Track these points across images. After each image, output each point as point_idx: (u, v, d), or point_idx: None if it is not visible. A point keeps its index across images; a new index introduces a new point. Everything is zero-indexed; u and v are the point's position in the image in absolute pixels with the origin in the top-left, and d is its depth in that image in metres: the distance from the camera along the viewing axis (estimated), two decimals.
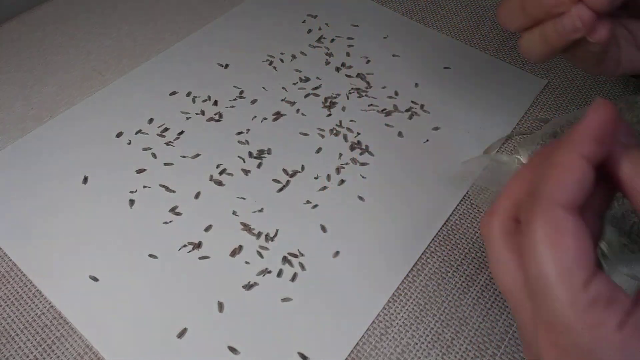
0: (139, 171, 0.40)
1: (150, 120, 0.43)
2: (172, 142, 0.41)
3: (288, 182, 0.39)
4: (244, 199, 0.38)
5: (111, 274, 0.34)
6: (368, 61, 0.48)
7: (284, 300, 0.33)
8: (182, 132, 0.42)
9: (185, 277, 0.34)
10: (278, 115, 0.43)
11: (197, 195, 0.38)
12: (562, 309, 0.18)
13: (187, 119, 0.43)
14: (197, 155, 0.41)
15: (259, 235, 0.36)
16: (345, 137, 0.42)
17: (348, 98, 0.45)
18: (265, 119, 0.43)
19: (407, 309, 0.33)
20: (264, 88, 0.46)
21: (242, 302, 0.33)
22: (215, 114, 0.43)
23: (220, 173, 0.39)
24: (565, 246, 0.18)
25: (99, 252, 0.35)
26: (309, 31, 0.51)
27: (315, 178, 0.39)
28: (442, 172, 0.39)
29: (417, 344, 0.31)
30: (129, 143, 0.41)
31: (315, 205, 0.37)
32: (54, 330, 0.32)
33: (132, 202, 0.38)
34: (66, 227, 0.36)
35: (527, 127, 0.43)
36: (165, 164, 0.40)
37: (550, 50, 0.29)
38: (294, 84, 0.46)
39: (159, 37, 0.51)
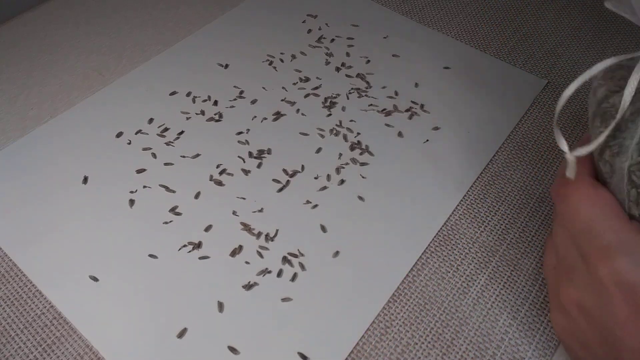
0: (139, 171, 0.40)
1: (150, 120, 0.43)
2: (172, 142, 0.41)
3: (288, 182, 0.39)
4: (244, 199, 0.38)
5: (111, 274, 0.34)
6: (368, 61, 0.48)
7: (284, 300, 0.33)
8: (182, 132, 0.42)
9: (185, 277, 0.34)
10: (278, 115, 0.43)
11: (197, 195, 0.38)
12: (615, 233, 0.23)
13: (187, 119, 0.43)
14: (197, 155, 0.41)
15: (259, 235, 0.36)
16: (345, 137, 0.42)
17: (348, 98, 0.45)
18: (265, 119, 0.43)
19: (407, 309, 0.33)
20: (264, 88, 0.46)
21: (242, 302, 0.33)
22: (215, 114, 0.43)
23: (220, 173, 0.39)
24: (606, 196, 0.24)
25: (99, 252, 0.35)
26: (309, 31, 0.51)
27: (315, 178, 0.39)
28: (442, 172, 0.40)
29: (417, 344, 0.31)
30: (129, 143, 0.41)
31: (315, 205, 0.37)
32: (54, 330, 0.32)
33: (132, 202, 0.38)
34: (66, 227, 0.36)
35: (527, 127, 0.43)
36: (165, 164, 0.40)
37: None
38: (294, 84, 0.46)
39: (159, 37, 0.51)
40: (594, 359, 0.25)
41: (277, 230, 0.36)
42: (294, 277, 0.34)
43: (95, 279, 0.34)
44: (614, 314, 0.23)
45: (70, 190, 0.38)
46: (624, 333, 0.23)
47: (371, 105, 0.44)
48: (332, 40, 0.50)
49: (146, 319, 0.32)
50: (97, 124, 0.43)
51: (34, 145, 0.41)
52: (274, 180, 0.39)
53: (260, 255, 0.35)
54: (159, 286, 0.33)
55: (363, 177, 0.39)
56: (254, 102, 0.44)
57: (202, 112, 0.44)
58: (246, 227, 0.36)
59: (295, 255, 0.35)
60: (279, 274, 0.34)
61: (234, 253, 0.35)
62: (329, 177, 0.39)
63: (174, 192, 0.38)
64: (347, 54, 0.49)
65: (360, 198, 0.38)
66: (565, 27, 0.52)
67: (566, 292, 0.26)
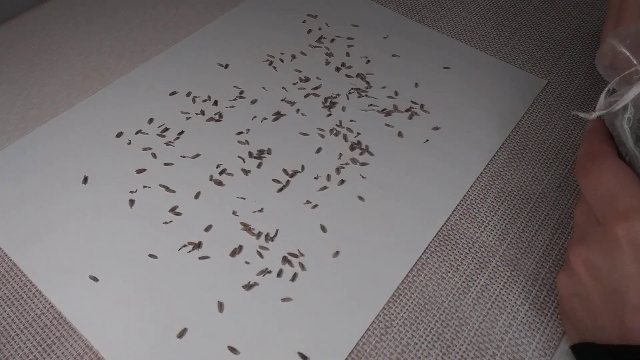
0: (139, 171, 0.40)
1: (150, 120, 0.43)
2: (172, 142, 0.41)
3: (288, 182, 0.39)
4: (244, 199, 0.38)
5: (111, 274, 0.34)
6: (368, 61, 0.48)
7: (284, 300, 0.33)
8: (182, 132, 0.42)
9: (185, 277, 0.34)
10: (278, 115, 0.43)
11: (197, 195, 0.38)
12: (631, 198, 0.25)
13: (187, 119, 0.43)
14: (197, 155, 0.41)
15: (259, 235, 0.36)
16: (345, 137, 0.42)
17: (348, 98, 0.45)
18: (265, 119, 0.43)
19: (407, 309, 0.33)
20: (264, 88, 0.46)
21: (242, 302, 0.33)
22: (215, 114, 0.43)
23: (220, 173, 0.39)
24: (627, 169, 0.26)
25: (99, 252, 0.35)
26: (309, 31, 0.51)
27: (315, 178, 0.39)
28: (442, 172, 0.39)
29: (417, 344, 0.31)
30: (129, 143, 0.41)
31: (315, 205, 0.37)
32: (54, 330, 0.32)
33: (132, 202, 0.38)
34: (66, 227, 0.36)
35: (527, 127, 0.43)
36: (165, 164, 0.40)
37: None
38: (294, 84, 0.46)
39: (159, 37, 0.51)
40: (594, 317, 0.26)
41: (277, 230, 0.36)
42: (294, 277, 0.34)
43: (95, 279, 0.34)
44: (623, 269, 0.24)
45: (70, 190, 0.38)
46: (628, 288, 0.24)
47: (371, 105, 0.44)
48: (332, 40, 0.50)
49: (146, 319, 0.32)
50: (97, 124, 0.43)
51: (34, 145, 0.41)
52: (274, 180, 0.39)
53: (260, 255, 0.35)
54: (159, 286, 0.33)
55: (363, 177, 0.39)
56: (254, 102, 0.44)
57: (202, 112, 0.44)
58: (246, 227, 0.36)
59: (295, 255, 0.35)
60: (279, 274, 0.34)
61: (234, 253, 0.35)
62: (329, 177, 0.39)
63: (174, 192, 0.38)
64: (347, 54, 0.49)
65: (360, 198, 0.38)
66: (565, 27, 0.52)
67: (576, 251, 0.27)
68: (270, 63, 0.48)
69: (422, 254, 0.35)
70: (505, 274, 0.34)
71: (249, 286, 0.33)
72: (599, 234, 0.26)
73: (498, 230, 0.37)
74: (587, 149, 0.29)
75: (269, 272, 0.34)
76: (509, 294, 0.33)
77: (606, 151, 0.28)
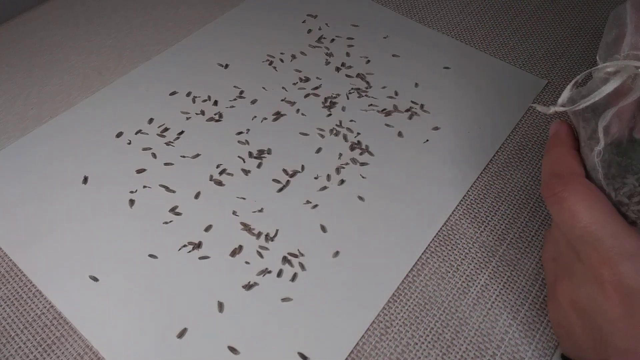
0: (139, 171, 0.40)
1: (150, 120, 0.43)
2: (172, 142, 0.41)
3: (288, 182, 0.39)
4: (244, 199, 0.38)
5: (111, 274, 0.34)
6: (368, 61, 0.48)
7: (284, 300, 0.33)
8: (182, 132, 0.42)
9: (185, 277, 0.34)
10: (278, 115, 0.43)
11: (197, 195, 0.38)
12: (611, 249, 0.23)
13: (187, 119, 0.43)
14: (197, 155, 0.41)
15: (259, 235, 0.36)
16: (345, 137, 0.42)
17: (348, 98, 0.45)
18: (265, 119, 0.43)
19: (407, 309, 0.33)
20: (264, 88, 0.46)
21: (242, 302, 0.33)
22: (215, 114, 0.43)
23: (220, 173, 0.39)
24: (601, 197, 0.24)
25: (99, 252, 0.35)
26: (309, 31, 0.51)
27: (315, 178, 0.39)
28: (442, 172, 0.40)
29: (417, 344, 0.31)
30: (129, 143, 0.41)
31: (315, 205, 0.37)
32: (54, 330, 0.32)
33: (132, 202, 0.38)
34: (66, 227, 0.36)
35: (527, 127, 0.43)
36: (165, 164, 0.40)
37: None
38: (294, 84, 0.46)
39: (159, 37, 0.51)
40: (579, 351, 0.26)
41: (277, 230, 0.36)
42: (294, 277, 0.34)
43: (95, 279, 0.34)
44: (607, 312, 0.23)
45: (70, 190, 0.38)
46: (613, 331, 0.23)
47: (371, 105, 0.44)
48: (332, 40, 0.50)
49: (146, 319, 0.32)
50: (97, 124, 0.43)
51: (34, 145, 0.41)
52: (274, 180, 0.39)
53: (260, 255, 0.35)
54: (159, 286, 0.33)
55: (363, 177, 0.39)
56: (254, 102, 0.44)
57: (202, 112, 0.44)
58: (246, 227, 0.36)
59: (295, 255, 0.35)
60: (279, 274, 0.34)
61: (234, 253, 0.35)
62: (329, 177, 0.39)
63: (174, 192, 0.38)
64: (347, 54, 0.49)
65: (360, 198, 0.38)
66: (565, 27, 0.52)
67: (562, 288, 0.27)
68: (270, 63, 0.48)
69: (422, 254, 0.35)
70: (505, 274, 0.34)
71: (249, 286, 0.33)
72: (584, 274, 0.25)
73: (498, 230, 0.37)
74: (554, 167, 0.27)
75: (269, 272, 0.34)
76: (509, 294, 0.33)
77: (576, 173, 0.26)
